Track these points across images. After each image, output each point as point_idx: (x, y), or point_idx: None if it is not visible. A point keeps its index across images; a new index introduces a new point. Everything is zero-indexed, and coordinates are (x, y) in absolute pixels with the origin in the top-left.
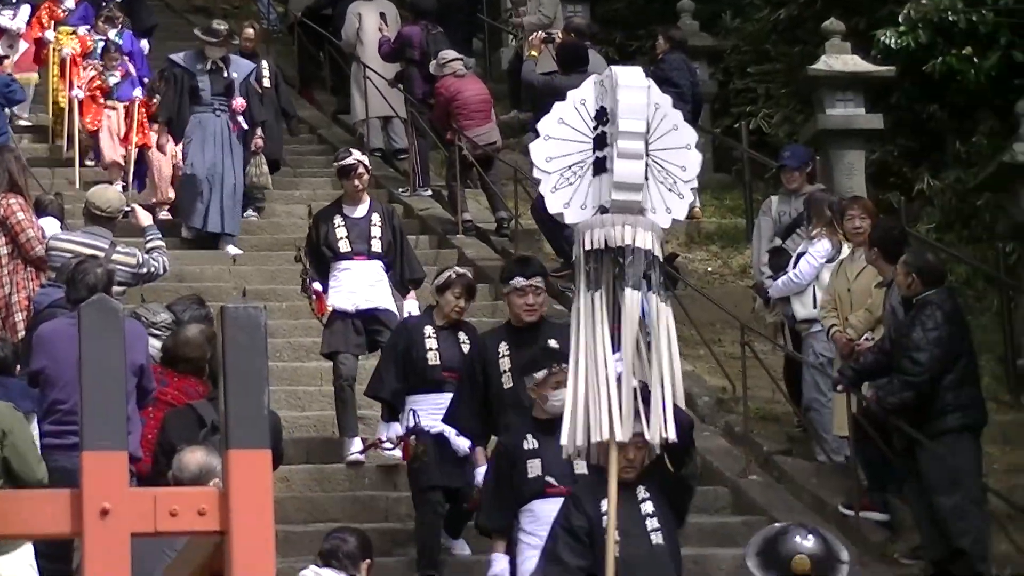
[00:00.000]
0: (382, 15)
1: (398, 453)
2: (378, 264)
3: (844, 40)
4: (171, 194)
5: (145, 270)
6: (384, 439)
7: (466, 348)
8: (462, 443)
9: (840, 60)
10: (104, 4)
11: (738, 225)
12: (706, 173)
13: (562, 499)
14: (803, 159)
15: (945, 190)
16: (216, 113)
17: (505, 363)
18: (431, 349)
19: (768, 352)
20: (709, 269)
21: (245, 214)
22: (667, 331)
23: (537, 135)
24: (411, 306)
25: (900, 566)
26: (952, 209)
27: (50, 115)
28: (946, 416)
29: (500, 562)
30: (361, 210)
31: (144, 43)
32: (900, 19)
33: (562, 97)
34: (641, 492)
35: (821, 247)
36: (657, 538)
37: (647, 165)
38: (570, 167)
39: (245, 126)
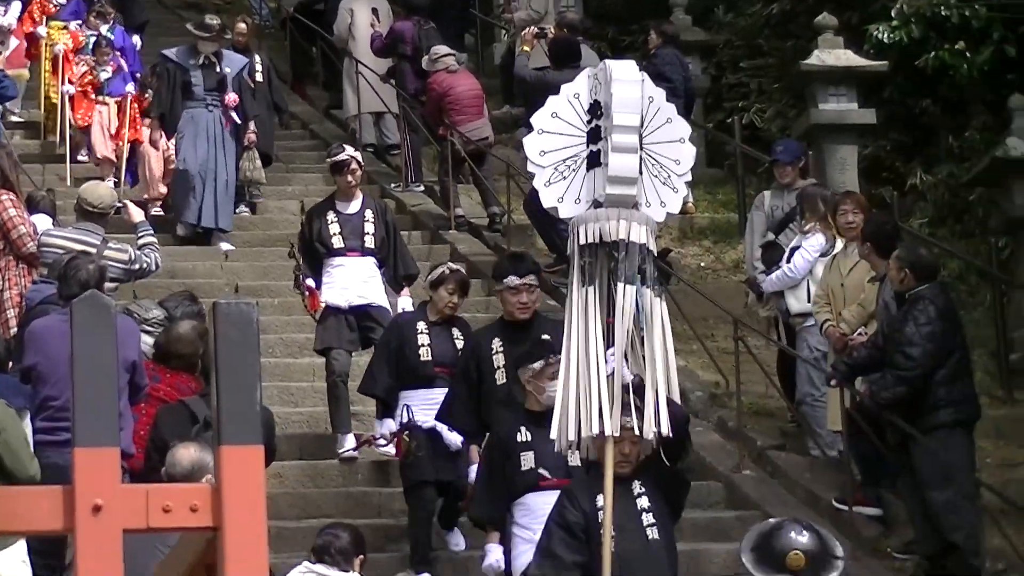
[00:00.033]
0: (374, 10)
1: (391, 449)
2: (371, 260)
3: (837, 35)
4: (162, 190)
5: (137, 266)
6: (378, 436)
7: (459, 344)
8: (455, 438)
9: (833, 55)
10: (96, 0)
11: (731, 220)
12: (699, 168)
13: (556, 492)
14: (796, 154)
15: (938, 185)
16: (209, 108)
17: (499, 359)
18: (423, 345)
19: (761, 347)
20: (702, 264)
21: (237, 210)
22: (661, 325)
23: (530, 130)
24: (405, 303)
25: (893, 561)
26: (945, 204)
27: (42, 111)
28: (939, 411)
29: (495, 552)
30: (354, 206)
31: (136, 39)
32: (893, 14)
33: (554, 92)
34: (637, 487)
35: (815, 241)
36: (653, 533)
37: (641, 159)
38: (564, 161)
39: (238, 121)
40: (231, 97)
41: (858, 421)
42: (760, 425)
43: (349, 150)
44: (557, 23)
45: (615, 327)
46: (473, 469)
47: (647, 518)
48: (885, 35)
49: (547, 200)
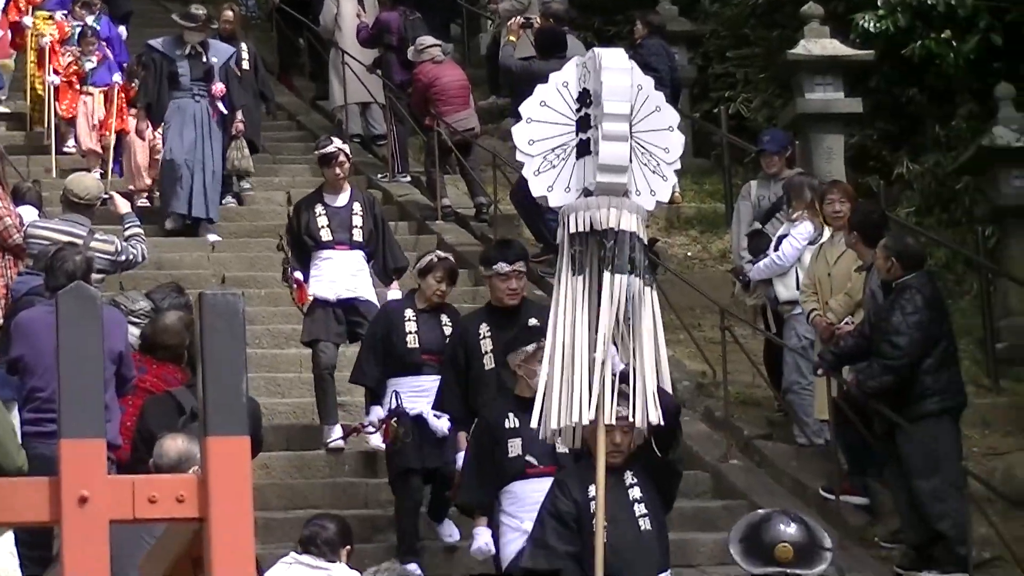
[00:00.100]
0: (360, 1)
1: (379, 440)
2: (359, 254)
3: (823, 24)
4: (148, 181)
5: (124, 258)
6: (367, 424)
7: (448, 331)
8: (442, 425)
9: (819, 44)
10: None
11: (717, 210)
12: (685, 158)
13: (543, 479)
14: (782, 143)
15: (924, 174)
16: (195, 98)
17: (486, 344)
18: (411, 332)
19: (748, 336)
20: (689, 254)
21: (224, 201)
22: (651, 315)
23: (517, 120)
24: (394, 295)
25: (880, 550)
26: (931, 193)
27: (28, 102)
28: (926, 400)
29: (483, 535)
30: (342, 199)
31: (122, 29)
32: (879, 3)
33: (541, 82)
34: (629, 477)
35: (803, 229)
36: (645, 524)
37: (631, 147)
38: (553, 150)
39: (225, 111)
40: (218, 87)
41: (845, 410)
42: (747, 414)
43: (337, 142)
44: (543, 13)
45: (602, 315)
46: (460, 456)
47: (639, 508)
48: (871, 24)
49: (537, 189)
